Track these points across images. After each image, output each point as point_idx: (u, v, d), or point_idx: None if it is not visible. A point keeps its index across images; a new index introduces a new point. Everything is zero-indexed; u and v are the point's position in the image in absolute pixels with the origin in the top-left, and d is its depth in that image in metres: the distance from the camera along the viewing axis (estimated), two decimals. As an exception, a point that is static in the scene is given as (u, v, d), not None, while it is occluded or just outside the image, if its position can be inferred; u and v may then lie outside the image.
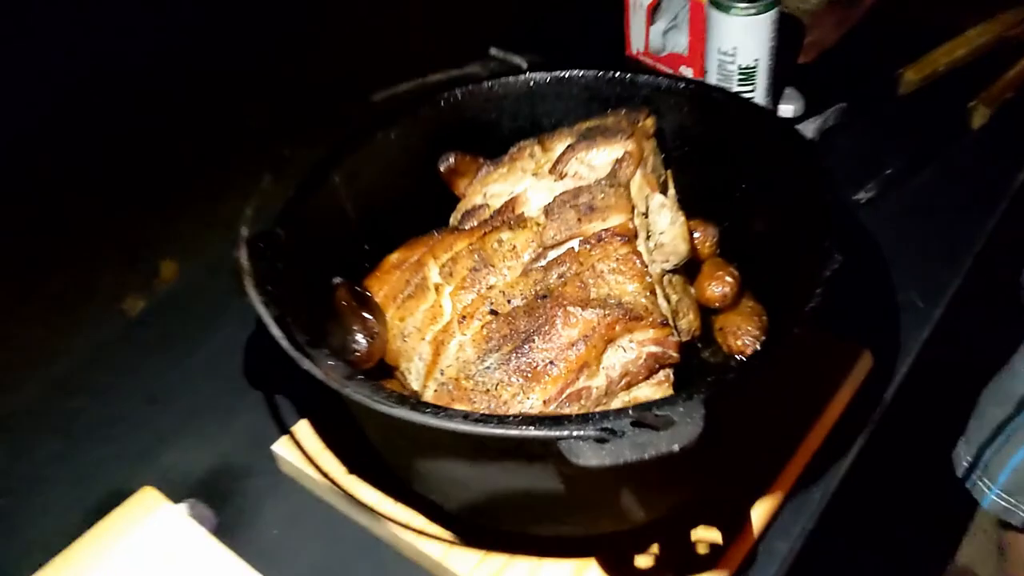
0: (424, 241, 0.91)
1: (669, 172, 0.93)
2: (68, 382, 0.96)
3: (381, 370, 0.85)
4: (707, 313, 0.92)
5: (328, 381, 0.62)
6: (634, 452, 0.54)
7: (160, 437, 0.91)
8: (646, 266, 0.79)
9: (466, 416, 0.60)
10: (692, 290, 0.92)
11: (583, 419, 0.58)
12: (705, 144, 0.94)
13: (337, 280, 0.87)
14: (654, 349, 0.78)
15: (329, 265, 0.87)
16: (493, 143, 0.95)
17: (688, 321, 0.90)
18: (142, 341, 1.03)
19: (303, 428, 0.89)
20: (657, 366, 0.78)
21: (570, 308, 0.77)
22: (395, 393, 0.64)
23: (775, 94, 1.25)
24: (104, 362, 1.00)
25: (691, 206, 0.91)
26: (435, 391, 0.79)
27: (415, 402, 0.62)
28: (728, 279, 0.93)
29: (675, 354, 0.78)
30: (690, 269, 0.91)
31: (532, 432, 0.56)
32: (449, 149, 0.96)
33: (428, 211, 0.97)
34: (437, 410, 0.60)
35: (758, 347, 0.86)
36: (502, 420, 0.59)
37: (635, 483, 0.68)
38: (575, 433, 0.55)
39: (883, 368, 0.91)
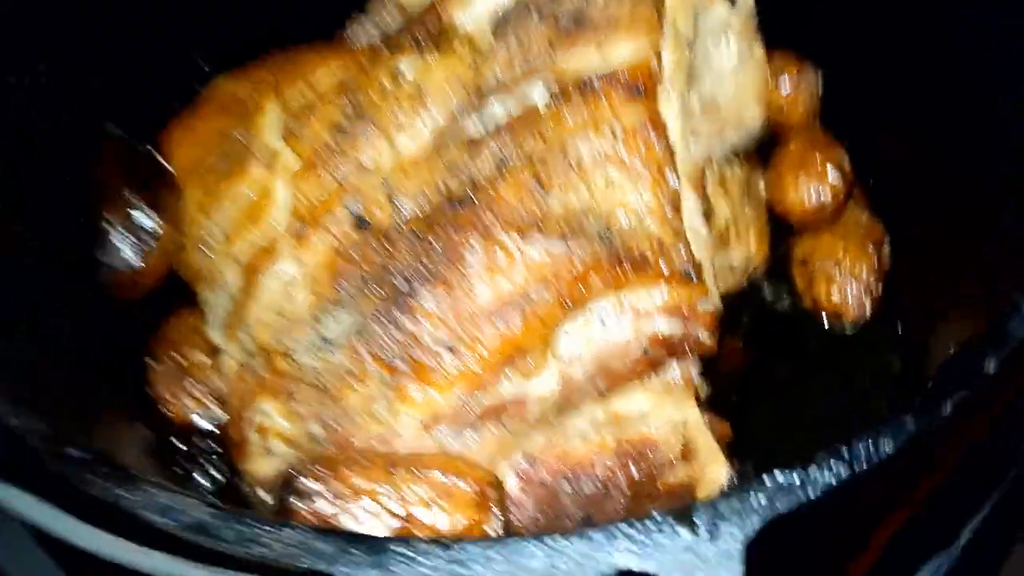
0: (277, 62, 0.64)
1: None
2: None
3: (175, 289, 0.62)
4: (783, 230, 0.68)
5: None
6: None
7: None
8: (672, 154, 0.53)
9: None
10: (762, 190, 0.66)
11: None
12: None
13: (110, 129, 0.61)
14: (667, 326, 0.52)
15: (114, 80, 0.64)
16: None
17: (746, 251, 0.64)
18: None
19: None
20: (669, 357, 0.52)
21: (502, 234, 0.49)
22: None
23: None
24: None
25: (777, 29, 0.65)
26: (237, 368, 0.56)
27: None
28: (833, 173, 0.64)
29: (708, 338, 0.54)
30: (763, 149, 0.67)
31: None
32: None
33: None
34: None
35: (868, 311, 0.64)
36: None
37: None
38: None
39: None
